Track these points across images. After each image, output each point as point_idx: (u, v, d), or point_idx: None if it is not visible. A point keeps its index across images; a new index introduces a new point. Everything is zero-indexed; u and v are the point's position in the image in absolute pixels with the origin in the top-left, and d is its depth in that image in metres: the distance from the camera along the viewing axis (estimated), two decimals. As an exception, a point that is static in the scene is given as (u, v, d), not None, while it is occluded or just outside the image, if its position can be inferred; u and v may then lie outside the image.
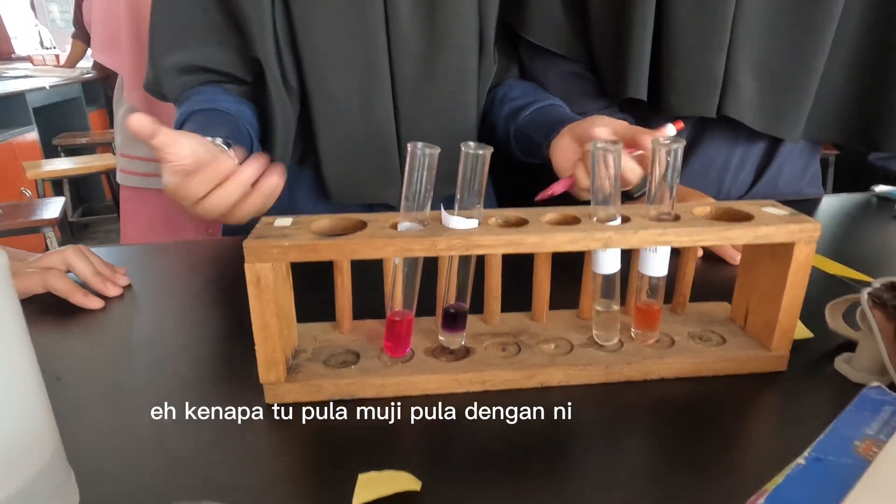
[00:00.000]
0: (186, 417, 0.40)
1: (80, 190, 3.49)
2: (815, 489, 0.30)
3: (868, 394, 0.37)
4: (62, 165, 2.92)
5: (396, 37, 0.72)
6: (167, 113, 1.23)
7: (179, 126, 0.65)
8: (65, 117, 3.48)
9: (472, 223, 0.40)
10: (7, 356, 0.26)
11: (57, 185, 3.02)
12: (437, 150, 0.39)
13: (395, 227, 0.41)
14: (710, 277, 0.61)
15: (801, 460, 0.32)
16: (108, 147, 3.24)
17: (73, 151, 3.24)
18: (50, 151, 3.18)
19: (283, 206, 0.79)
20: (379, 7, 0.70)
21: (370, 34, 0.71)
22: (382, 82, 0.74)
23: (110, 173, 2.99)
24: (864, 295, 0.42)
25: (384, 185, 0.78)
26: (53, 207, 2.34)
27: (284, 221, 0.41)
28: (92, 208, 3.56)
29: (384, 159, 0.77)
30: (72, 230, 3.19)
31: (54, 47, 4.51)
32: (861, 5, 0.75)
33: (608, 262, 0.43)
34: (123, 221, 1.45)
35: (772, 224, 0.41)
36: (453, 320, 0.44)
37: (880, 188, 0.89)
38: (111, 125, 2.94)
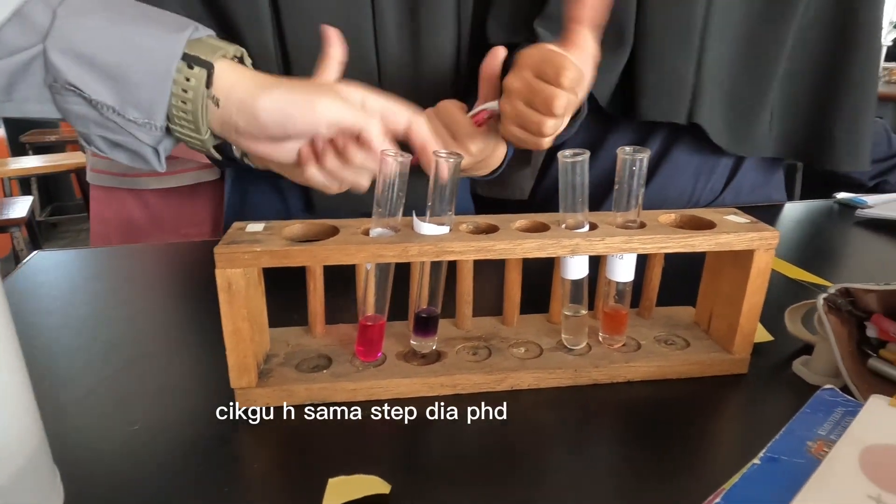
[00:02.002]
0: (158, 421, 0.40)
1: (49, 188, 3.41)
2: (769, 488, 0.31)
3: (822, 396, 0.38)
4: (30, 163, 2.86)
5: (383, 45, 0.73)
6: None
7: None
8: (33, 114, 3.40)
9: (444, 230, 0.41)
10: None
11: (24, 183, 2.96)
12: (408, 158, 0.40)
13: (367, 232, 0.41)
14: (677, 282, 0.63)
15: (756, 460, 0.33)
16: (77, 144, 3.17)
17: (41, 149, 3.17)
18: (17, 149, 3.11)
19: (278, 214, 0.79)
20: (368, 18, 0.71)
21: (361, 46, 0.72)
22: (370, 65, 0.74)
23: (80, 172, 2.92)
24: (820, 300, 0.44)
25: (369, 194, 0.78)
26: (21, 206, 2.29)
27: (256, 227, 0.41)
28: (61, 207, 3.49)
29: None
30: (40, 229, 3.12)
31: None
32: (816, 30, 0.78)
33: (576, 268, 0.44)
34: (93, 221, 1.42)
35: (732, 232, 0.42)
36: (425, 325, 0.45)
37: (842, 195, 0.92)
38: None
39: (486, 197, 1.04)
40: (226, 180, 0.91)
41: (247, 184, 0.81)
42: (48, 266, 0.68)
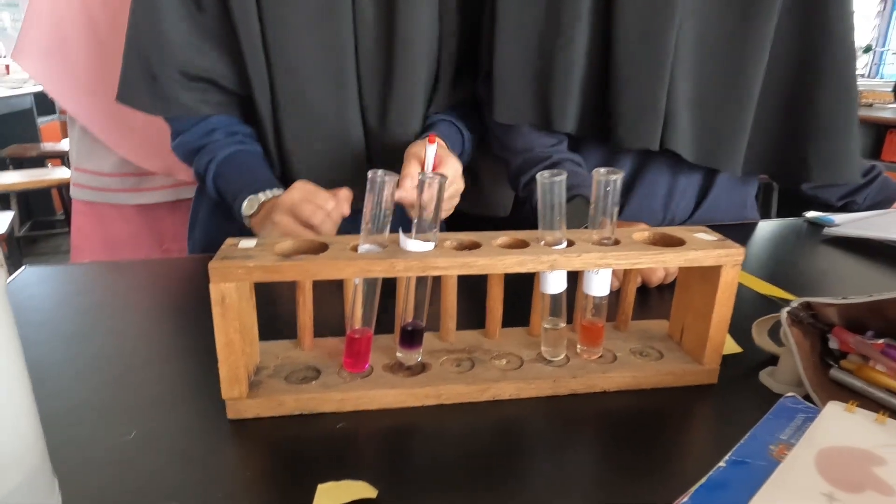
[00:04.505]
0: (151, 431, 0.41)
1: (30, 203, 3.38)
2: (733, 489, 0.33)
3: (784, 403, 0.41)
4: (10, 179, 2.83)
5: (363, 51, 0.76)
6: (122, 120, 1.22)
7: (218, 166, 0.79)
8: (14, 129, 3.38)
9: (429, 246, 0.43)
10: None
11: (4, 198, 2.93)
12: (395, 177, 0.42)
13: (355, 248, 0.43)
14: (652, 297, 0.65)
15: (722, 463, 0.35)
16: (59, 159, 3.15)
17: (22, 164, 3.14)
18: (-3, 164, 3.08)
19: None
20: (348, 23, 0.74)
21: (341, 53, 0.75)
22: (352, 97, 0.78)
23: (62, 187, 2.91)
24: (784, 314, 0.47)
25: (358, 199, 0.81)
26: (1, 222, 2.27)
27: (248, 243, 0.43)
28: (41, 222, 3.45)
29: (355, 167, 0.81)
30: (19, 245, 3.08)
31: (5, 56, 4.37)
32: (785, 45, 0.81)
33: (555, 283, 0.46)
34: (75, 236, 1.42)
35: (700, 249, 0.45)
36: (410, 338, 0.47)
37: (811, 214, 0.96)
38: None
39: (469, 213, 1.06)
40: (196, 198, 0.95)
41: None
42: (35, 281, 0.69)
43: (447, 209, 0.74)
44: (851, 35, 0.82)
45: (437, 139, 0.67)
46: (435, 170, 0.69)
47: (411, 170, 0.67)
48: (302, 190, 0.68)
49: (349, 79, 0.77)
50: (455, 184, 0.72)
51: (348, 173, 0.81)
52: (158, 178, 1.34)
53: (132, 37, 0.76)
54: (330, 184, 0.80)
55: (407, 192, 0.65)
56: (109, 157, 1.32)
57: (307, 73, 0.76)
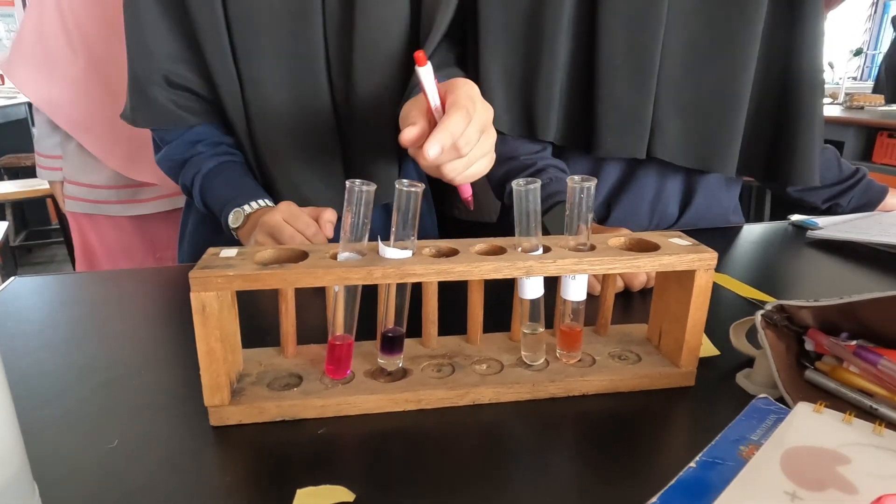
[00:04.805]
0: (134, 438, 0.42)
1: (24, 213, 3.38)
2: (701, 489, 0.34)
3: (756, 404, 0.42)
4: (5, 189, 2.84)
5: (333, 57, 0.77)
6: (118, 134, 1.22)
7: (204, 179, 0.79)
8: (10, 138, 3.38)
9: (406, 253, 0.44)
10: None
11: (-1, 208, 2.93)
12: (373, 187, 0.43)
13: (335, 257, 0.44)
14: (634, 301, 0.66)
15: (693, 464, 0.36)
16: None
17: (17, 174, 3.15)
18: (-8, 174, 3.09)
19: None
20: (318, 30, 0.75)
21: (313, 61, 0.76)
22: (324, 102, 0.78)
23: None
24: (758, 316, 0.47)
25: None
26: (-5, 232, 2.27)
27: (230, 252, 0.44)
28: (36, 232, 3.45)
29: (334, 174, 0.81)
30: (14, 255, 3.08)
31: (-1, 67, 4.37)
32: (767, 49, 0.83)
33: (532, 289, 0.47)
34: (77, 248, 1.45)
35: (674, 254, 0.45)
36: (391, 344, 0.47)
37: (795, 217, 0.97)
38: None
39: (461, 220, 1.08)
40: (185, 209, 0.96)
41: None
42: (25, 292, 0.69)
43: (485, 167, 0.58)
44: (821, 33, 0.83)
45: (429, 62, 0.51)
46: (443, 102, 0.52)
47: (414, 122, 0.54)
48: (285, 212, 0.68)
49: (321, 85, 0.77)
50: (486, 131, 0.55)
51: (327, 180, 0.82)
52: (152, 189, 1.36)
53: (127, 51, 0.77)
54: (311, 192, 0.81)
55: (405, 135, 0.52)
56: (103, 171, 1.34)
57: (276, 81, 0.76)
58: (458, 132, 0.50)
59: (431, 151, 0.48)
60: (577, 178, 0.45)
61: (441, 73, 0.76)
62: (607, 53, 0.77)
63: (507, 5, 0.78)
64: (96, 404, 0.47)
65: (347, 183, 0.42)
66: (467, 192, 0.61)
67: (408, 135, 0.51)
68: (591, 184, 0.45)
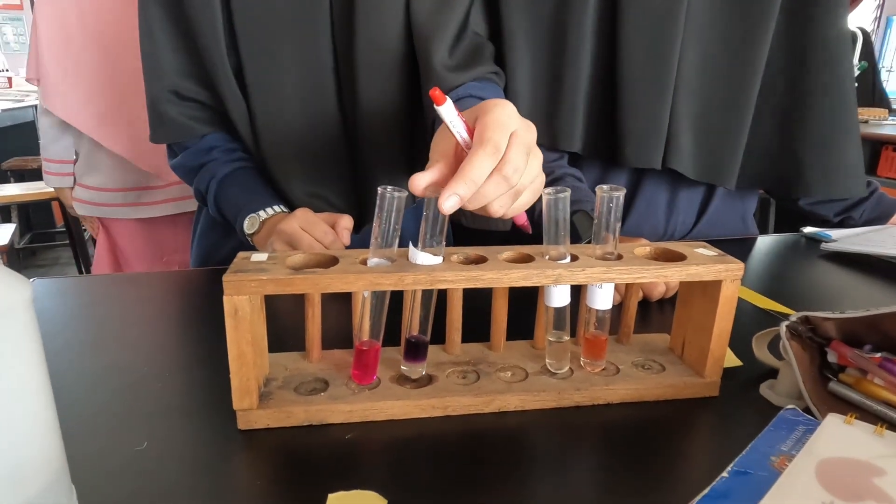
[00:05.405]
0: (163, 441, 0.42)
1: (30, 215, 3.39)
2: (735, 499, 0.34)
3: (784, 415, 0.42)
4: (11, 191, 2.85)
5: (343, 65, 0.77)
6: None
7: (218, 185, 0.79)
8: (16, 141, 3.39)
9: (437, 259, 0.44)
10: (22, 376, 0.29)
11: (5, 210, 2.94)
12: (404, 194, 0.43)
13: (364, 262, 0.44)
14: (653, 311, 0.66)
15: (725, 474, 0.36)
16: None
17: (23, 177, 3.16)
18: (-1, 176, 3.10)
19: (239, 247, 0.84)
20: (327, 38, 0.75)
21: (320, 69, 0.76)
22: (332, 111, 0.78)
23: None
24: (783, 328, 0.48)
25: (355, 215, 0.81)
26: (2, 234, 2.28)
27: (261, 257, 0.44)
28: (41, 234, 3.46)
29: (345, 181, 0.81)
30: (19, 257, 3.09)
31: (7, 70, 4.40)
32: (778, 63, 0.83)
33: (559, 297, 0.47)
34: (100, 249, 1.47)
35: (701, 264, 0.46)
36: (415, 351, 0.47)
37: (808, 229, 0.97)
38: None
39: (469, 228, 1.08)
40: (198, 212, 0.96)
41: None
42: (45, 294, 0.69)
43: (534, 195, 0.48)
44: (847, 49, 0.83)
45: (447, 98, 0.44)
46: (471, 133, 0.45)
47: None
48: (302, 220, 0.68)
49: (329, 92, 0.77)
50: (532, 152, 0.45)
51: (336, 186, 0.82)
52: (159, 192, 1.37)
53: (143, 72, 0.78)
54: (322, 200, 0.81)
55: (413, 184, 0.44)
56: (113, 172, 1.34)
57: (285, 92, 0.76)
58: (481, 177, 0.42)
59: (447, 205, 0.41)
60: (605, 187, 0.45)
61: (469, 74, 0.74)
62: (627, 63, 0.78)
63: (531, 13, 0.79)
64: (123, 406, 0.47)
65: (379, 189, 0.43)
66: (522, 220, 0.53)
67: (416, 183, 0.43)
68: (620, 193, 0.45)
